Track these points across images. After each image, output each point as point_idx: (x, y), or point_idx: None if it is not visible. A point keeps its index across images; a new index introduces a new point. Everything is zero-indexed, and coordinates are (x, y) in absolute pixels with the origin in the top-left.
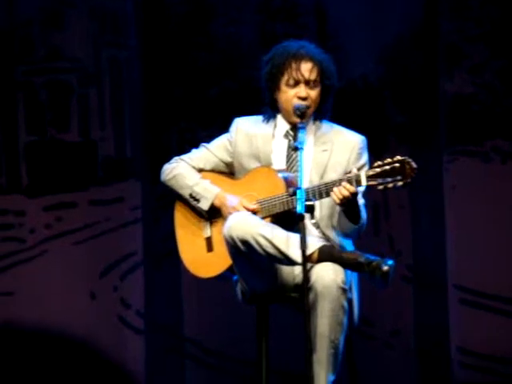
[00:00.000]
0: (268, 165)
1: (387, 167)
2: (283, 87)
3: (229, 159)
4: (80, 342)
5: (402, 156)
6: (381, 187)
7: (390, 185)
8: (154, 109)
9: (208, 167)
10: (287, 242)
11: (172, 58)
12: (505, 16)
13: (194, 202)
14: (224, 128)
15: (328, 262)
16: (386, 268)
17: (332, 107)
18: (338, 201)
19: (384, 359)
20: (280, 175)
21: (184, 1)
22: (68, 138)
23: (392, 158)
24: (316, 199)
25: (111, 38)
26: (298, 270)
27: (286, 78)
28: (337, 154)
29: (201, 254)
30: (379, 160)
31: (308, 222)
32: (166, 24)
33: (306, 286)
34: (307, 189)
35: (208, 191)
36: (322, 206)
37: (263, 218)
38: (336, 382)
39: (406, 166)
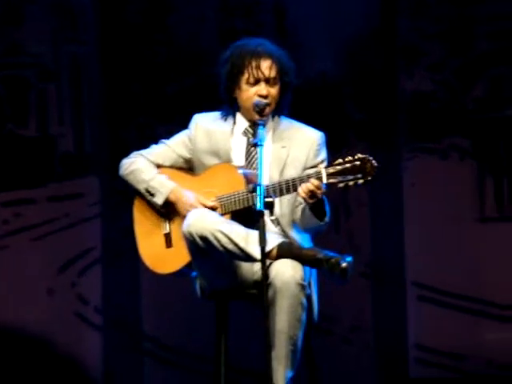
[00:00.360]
0: (228, 161)
1: (348, 165)
2: (243, 86)
3: (188, 155)
4: (37, 339)
5: (362, 154)
6: (341, 185)
7: (351, 183)
8: (113, 105)
9: (167, 163)
10: (246, 239)
11: (131, 53)
12: (462, 14)
13: (150, 197)
14: (183, 124)
15: (287, 259)
16: (344, 264)
17: (290, 104)
18: (305, 197)
19: (342, 355)
20: (240, 172)
21: None
22: (26, 134)
23: (353, 155)
24: (277, 196)
25: (70, 33)
26: (257, 266)
27: (246, 76)
28: (295, 150)
29: (159, 250)
30: (340, 158)
31: (267, 218)
32: (124, 20)
33: (265, 282)
34: (268, 186)
35: (163, 186)
36: (282, 204)
37: (223, 214)
38: (294, 378)
39: (366, 165)
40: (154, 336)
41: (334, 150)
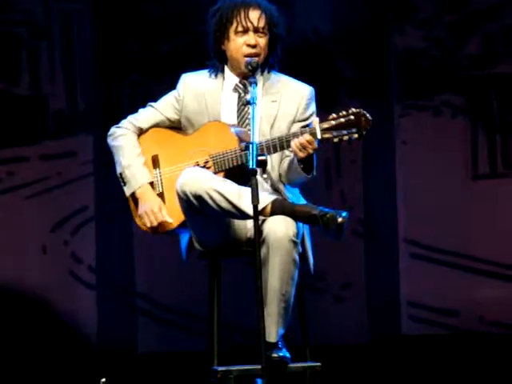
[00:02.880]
0: (218, 119)
1: (342, 119)
2: (232, 36)
3: (176, 117)
4: (31, 297)
5: (356, 108)
6: (336, 140)
7: (346, 137)
8: (106, 62)
9: (156, 127)
10: (240, 196)
11: (123, 11)
12: None
13: (122, 184)
14: (176, 82)
15: (280, 216)
16: (340, 219)
17: (280, 59)
18: (297, 151)
19: (335, 312)
20: (233, 130)
21: None
22: (18, 92)
23: (347, 110)
24: (270, 153)
25: None
26: (250, 224)
27: (234, 26)
28: (285, 104)
29: None
30: (333, 113)
31: (260, 176)
32: None
33: (257, 239)
34: (261, 143)
35: (135, 179)
36: (272, 158)
37: (216, 172)
38: (287, 336)
39: (361, 119)
40: (147, 294)
41: (326, 107)
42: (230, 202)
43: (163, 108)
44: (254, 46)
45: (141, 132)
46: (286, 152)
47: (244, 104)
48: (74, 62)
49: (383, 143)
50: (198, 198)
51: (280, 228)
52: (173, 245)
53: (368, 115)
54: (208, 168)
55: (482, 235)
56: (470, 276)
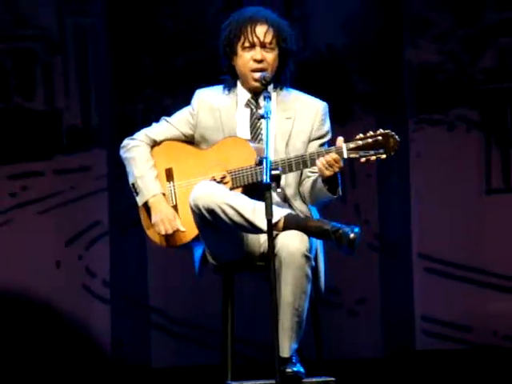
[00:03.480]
0: (236, 135)
1: (369, 140)
2: (239, 51)
3: (190, 132)
4: (45, 311)
5: (384, 129)
6: (363, 160)
7: (373, 157)
8: (120, 77)
9: (169, 140)
10: (253, 210)
11: (137, 26)
12: None
13: (134, 194)
14: (189, 97)
15: (292, 230)
16: (352, 236)
17: (293, 75)
18: (323, 169)
19: (349, 327)
20: (252, 146)
21: None
22: (33, 107)
23: (374, 131)
24: (293, 171)
25: (76, 5)
26: (263, 238)
27: (241, 41)
28: (300, 121)
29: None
30: (360, 133)
31: (273, 191)
32: None
33: (271, 254)
34: (283, 160)
35: (147, 189)
36: (287, 176)
37: (233, 188)
38: (299, 350)
39: (389, 140)
40: (161, 308)
41: (340, 122)
42: (242, 217)
43: (178, 123)
44: (260, 61)
45: (154, 145)
46: (307, 173)
47: (258, 118)
48: (88, 77)
49: (398, 157)
50: (211, 211)
51: (293, 243)
52: (186, 259)
53: (396, 136)
54: (225, 183)
55: (496, 249)
56: (483, 290)
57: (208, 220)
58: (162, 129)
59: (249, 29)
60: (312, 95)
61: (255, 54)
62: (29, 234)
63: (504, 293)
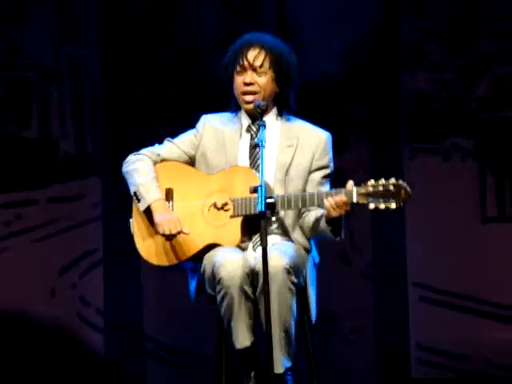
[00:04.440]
0: (234, 160)
1: (380, 188)
2: (235, 76)
3: (192, 152)
4: (40, 340)
5: (397, 179)
6: (372, 206)
7: (382, 206)
8: (114, 106)
9: (173, 158)
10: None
11: (132, 55)
12: (464, 13)
13: (136, 201)
14: (185, 125)
15: (273, 250)
16: None
17: (296, 102)
18: (332, 212)
19: (344, 355)
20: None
21: None
22: (28, 135)
23: (387, 179)
24: (298, 207)
25: (71, 35)
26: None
27: (236, 67)
28: (302, 150)
29: (158, 242)
30: (372, 179)
31: (273, 222)
32: (126, 21)
33: (265, 280)
34: (289, 196)
35: (150, 194)
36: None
37: (233, 216)
38: (293, 371)
39: (401, 191)
40: (156, 337)
41: (335, 150)
42: (229, 324)
43: (181, 142)
44: (249, 84)
45: (157, 161)
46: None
47: (253, 147)
48: (83, 106)
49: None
50: (223, 296)
51: (273, 258)
52: (180, 287)
53: (408, 189)
54: (226, 210)
55: (492, 278)
56: (479, 319)
57: (213, 289)
58: (164, 148)
59: (241, 53)
60: (313, 124)
61: (245, 77)
62: (23, 262)
63: (499, 322)
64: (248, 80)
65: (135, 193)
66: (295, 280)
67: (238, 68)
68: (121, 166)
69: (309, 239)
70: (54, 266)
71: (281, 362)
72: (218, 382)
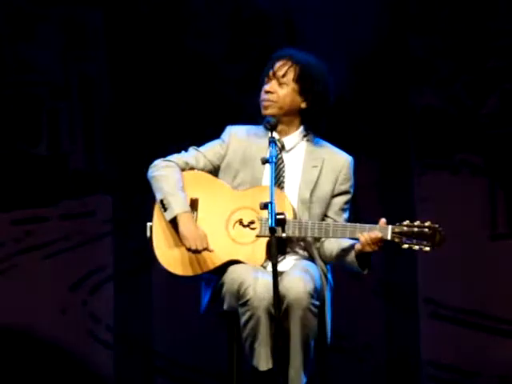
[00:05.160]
0: (260, 175)
1: (415, 229)
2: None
3: (217, 162)
4: (50, 357)
5: (433, 223)
6: (405, 246)
7: (416, 247)
8: (124, 122)
9: (199, 166)
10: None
11: (142, 71)
12: (472, 29)
13: (162, 210)
14: (195, 141)
15: (296, 272)
16: None
17: (324, 126)
18: (367, 247)
19: (355, 373)
20: (288, 201)
21: (154, 15)
22: (38, 152)
23: (423, 222)
24: (329, 237)
25: (81, 51)
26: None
27: (265, 77)
28: (326, 171)
29: (178, 251)
30: (408, 219)
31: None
32: (135, 37)
33: (276, 296)
34: (319, 225)
35: (178, 205)
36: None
37: (259, 236)
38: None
39: (435, 234)
40: (166, 354)
41: None
42: (252, 348)
43: (207, 152)
44: (267, 92)
45: (185, 169)
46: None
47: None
48: (93, 122)
49: (402, 201)
50: (249, 317)
51: (298, 286)
52: (191, 303)
53: (443, 233)
54: (252, 229)
55: (503, 295)
56: (490, 336)
57: (233, 306)
58: (192, 156)
59: (270, 63)
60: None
61: (268, 85)
62: (33, 279)
63: (510, 338)
64: (268, 88)
65: (162, 201)
66: (317, 303)
67: (266, 78)
68: (132, 181)
69: (325, 263)
70: (64, 282)
71: (300, 382)
72: None
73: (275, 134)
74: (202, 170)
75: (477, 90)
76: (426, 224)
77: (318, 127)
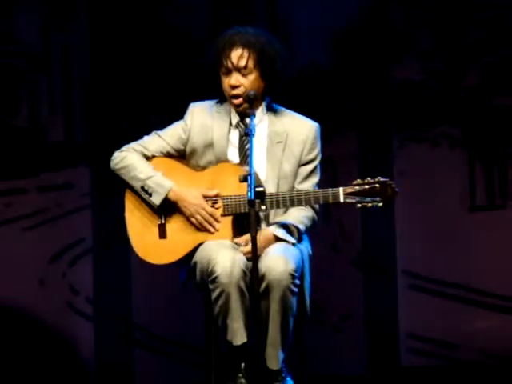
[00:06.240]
0: (224, 155)
1: (366, 187)
2: (221, 76)
3: (181, 147)
4: (29, 329)
5: (383, 178)
6: (359, 205)
7: (369, 204)
8: (104, 95)
9: (160, 155)
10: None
11: (123, 44)
12: (452, 2)
13: (146, 196)
14: (175, 114)
15: (277, 252)
16: None
17: (285, 93)
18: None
19: (334, 344)
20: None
21: None
22: (17, 124)
23: (373, 178)
24: (279, 207)
25: (61, 23)
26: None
27: (220, 67)
28: (291, 144)
29: (152, 240)
30: (359, 178)
31: (258, 209)
32: (117, 10)
33: (254, 270)
34: (277, 195)
35: (160, 186)
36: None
37: (223, 215)
38: (286, 359)
39: (387, 189)
40: (145, 326)
41: (324, 139)
42: (224, 323)
43: (169, 138)
44: (235, 87)
45: (146, 156)
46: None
47: (243, 136)
48: (72, 94)
49: (381, 174)
50: (219, 293)
51: (279, 265)
52: (171, 276)
53: (394, 186)
54: (216, 208)
55: (480, 266)
56: (468, 308)
57: (205, 282)
58: (152, 143)
59: (225, 54)
60: (297, 112)
61: (230, 79)
62: (13, 250)
63: (489, 310)
64: (233, 82)
65: (142, 187)
66: (298, 282)
67: (224, 70)
68: (110, 154)
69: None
70: (43, 254)
71: (278, 360)
72: (207, 371)
73: (235, 115)
74: (164, 155)
75: (457, 63)
76: (377, 180)
77: (280, 96)
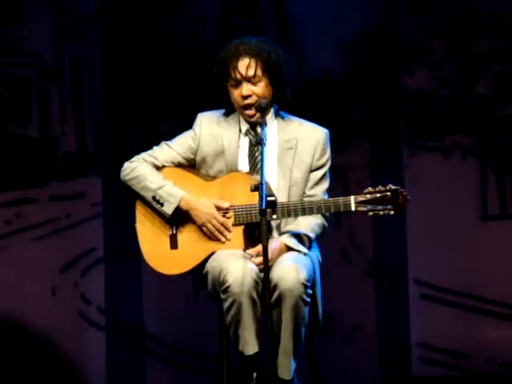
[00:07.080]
0: (234, 164)
1: (378, 195)
2: (230, 89)
3: (191, 156)
4: (40, 338)
5: (394, 186)
6: (370, 214)
7: (381, 213)
8: (115, 104)
9: (170, 165)
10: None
11: (133, 54)
12: (464, 11)
13: (158, 206)
14: (186, 123)
15: (287, 261)
16: None
17: (292, 100)
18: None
19: (345, 354)
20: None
21: None
22: (28, 133)
23: (384, 186)
24: (297, 216)
25: (72, 33)
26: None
27: (229, 79)
28: (301, 151)
29: (163, 251)
30: (370, 186)
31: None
32: (127, 20)
33: (266, 279)
34: (289, 205)
35: (172, 195)
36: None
37: (234, 225)
38: (297, 369)
39: (398, 197)
40: (157, 335)
41: (336, 148)
42: (236, 333)
43: (179, 147)
44: (247, 97)
45: (156, 166)
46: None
47: (253, 145)
48: (83, 104)
49: (392, 183)
50: (231, 303)
51: (291, 275)
52: (181, 285)
53: (405, 193)
54: (228, 218)
55: (493, 276)
56: (480, 317)
57: (216, 291)
58: (162, 152)
59: (231, 65)
60: (308, 121)
61: (241, 90)
62: (24, 260)
63: (501, 319)
64: (245, 92)
65: (154, 197)
66: (310, 292)
67: (233, 82)
68: (122, 163)
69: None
70: (55, 264)
71: (290, 369)
72: (219, 381)
73: (244, 123)
74: (174, 165)
75: (468, 72)
76: (388, 188)
77: (288, 102)
